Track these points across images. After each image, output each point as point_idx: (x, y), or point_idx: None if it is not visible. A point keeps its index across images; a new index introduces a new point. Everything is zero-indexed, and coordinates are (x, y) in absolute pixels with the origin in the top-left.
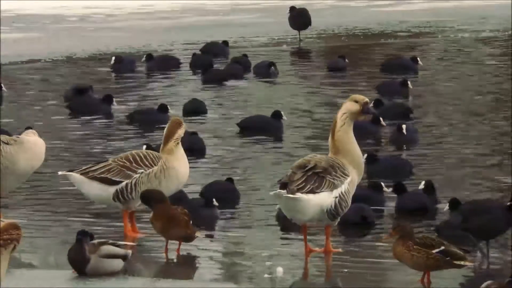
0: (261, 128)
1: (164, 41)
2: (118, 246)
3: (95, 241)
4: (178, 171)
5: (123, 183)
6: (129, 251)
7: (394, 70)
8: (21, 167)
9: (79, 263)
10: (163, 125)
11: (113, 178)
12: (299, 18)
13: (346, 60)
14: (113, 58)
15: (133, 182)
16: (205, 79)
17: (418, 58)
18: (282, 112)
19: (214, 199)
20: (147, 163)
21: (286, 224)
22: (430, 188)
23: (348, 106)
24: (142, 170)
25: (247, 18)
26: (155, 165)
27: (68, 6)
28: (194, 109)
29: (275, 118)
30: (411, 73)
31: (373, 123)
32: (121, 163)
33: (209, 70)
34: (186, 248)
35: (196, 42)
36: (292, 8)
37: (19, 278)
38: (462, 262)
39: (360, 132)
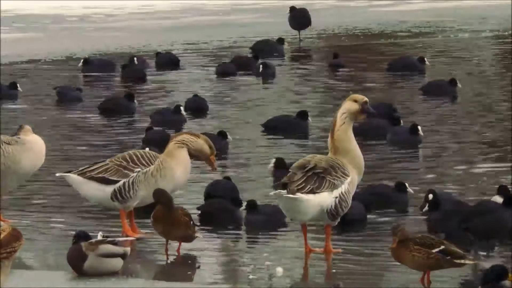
0: (286, 128)
1: (164, 41)
2: (116, 243)
3: (93, 240)
4: (174, 172)
5: (121, 182)
6: (128, 249)
7: (401, 69)
8: (23, 167)
9: (76, 260)
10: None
11: (111, 178)
12: (299, 18)
13: (286, 44)
14: (82, 60)
15: (131, 181)
16: (125, 75)
17: (425, 58)
18: (308, 113)
19: (241, 200)
20: (144, 162)
21: (252, 230)
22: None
23: (348, 106)
24: (139, 169)
25: (247, 18)
26: (152, 164)
27: (68, 6)
28: (196, 106)
29: (300, 119)
30: (418, 73)
31: (392, 124)
32: (118, 162)
33: (128, 67)
34: (186, 248)
35: (196, 42)
36: (292, 8)
37: (19, 278)
38: (462, 261)
39: (378, 133)
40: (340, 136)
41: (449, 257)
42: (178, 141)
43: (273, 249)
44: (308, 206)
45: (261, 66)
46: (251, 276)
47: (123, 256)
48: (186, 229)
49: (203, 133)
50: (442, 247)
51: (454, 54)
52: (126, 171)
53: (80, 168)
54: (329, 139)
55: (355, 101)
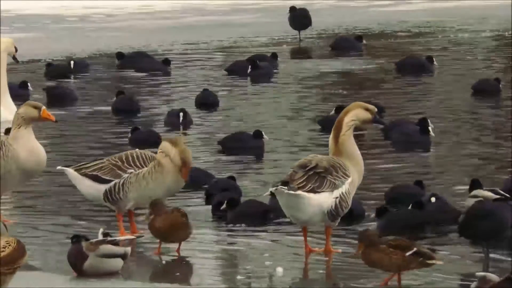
0: None
1: (164, 41)
2: (116, 243)
3: (93, 240)
4: (165, 177)
5: (112, 183)
6: (129, 250)
7: (409, 69)
8: (27, 168)
9: (76, 260)
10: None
11: (103, 177)
12: (299, 18)
13: (364, 41)
14: (72, 62)
15: (121, 182)
16: (47, 74)
17: (434, 58)
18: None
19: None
20: (138, 163)
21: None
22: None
23: (359, 113)
24: (132, 170)
25: (247, 18)
26: (146, 166)
27: (68, 6)
28: (206, 100)
29: None
30: (427, 73)
31: (421, 133)
32: (113, 162)
33: (52, 66)
34: (186, 249)
35: (196, 42)
36: (292, 8)
37: (18, 279)
38: (433, 261)
39: (405, 139)
40: (345, 141)
41: (421, 259)
42: (161, 150)
43: (273, 249)
44: (309, 204)
45: (249, 67)
46: (251, 277)
47: (123, 256)
48: (185, 230)
49: (238, 132)
50: (415, 249)
51: (455, 54)
52: (119, 172)
53: (78, 164)
54: (330, 142)
55: (367, 109)
